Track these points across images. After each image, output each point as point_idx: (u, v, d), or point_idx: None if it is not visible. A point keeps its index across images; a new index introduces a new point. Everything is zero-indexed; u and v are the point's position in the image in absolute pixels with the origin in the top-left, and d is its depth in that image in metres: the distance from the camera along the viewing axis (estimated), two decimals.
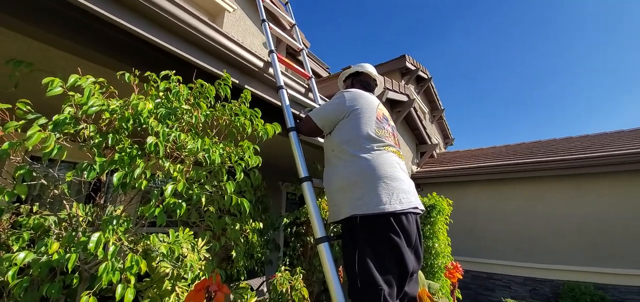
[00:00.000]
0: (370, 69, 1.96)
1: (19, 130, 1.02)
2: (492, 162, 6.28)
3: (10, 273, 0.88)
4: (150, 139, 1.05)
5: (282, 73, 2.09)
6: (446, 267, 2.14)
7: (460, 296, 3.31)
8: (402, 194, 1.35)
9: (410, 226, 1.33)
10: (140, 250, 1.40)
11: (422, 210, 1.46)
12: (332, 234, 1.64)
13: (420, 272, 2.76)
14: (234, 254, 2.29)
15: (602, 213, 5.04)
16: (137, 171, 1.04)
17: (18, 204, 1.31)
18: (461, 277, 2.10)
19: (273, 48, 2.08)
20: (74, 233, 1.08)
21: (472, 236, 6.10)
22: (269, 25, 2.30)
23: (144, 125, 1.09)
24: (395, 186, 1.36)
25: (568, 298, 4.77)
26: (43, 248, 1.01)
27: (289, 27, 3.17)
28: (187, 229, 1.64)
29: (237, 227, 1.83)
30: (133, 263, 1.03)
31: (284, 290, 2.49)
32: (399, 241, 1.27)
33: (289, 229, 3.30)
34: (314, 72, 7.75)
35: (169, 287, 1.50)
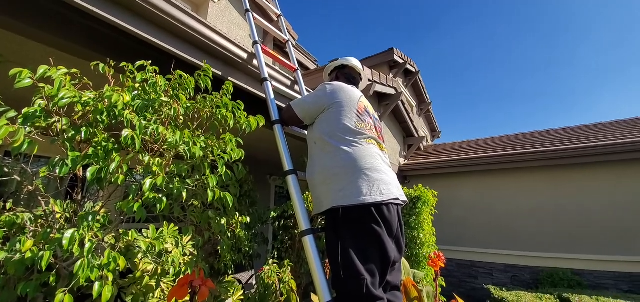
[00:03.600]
0: (355, 62, 1.97)
1: None
2: (476, 154, 6.42)
3: None
4: (126, 132, 1.02)
5: (268, 65, 2.06)
6: (430, 256, 2.20)
7: (444, 284, 3.40)
8: (383, 185, 1.37)
9: (392, 217, 1.36)
10: (122, 247, 1.37)
11: (403, 201, 1.49)
12: (319, 227, 1.65)
13: (405, 262, 2.82)
14: (220, 248, 2.28)
15: (579, 203, 5.25)
16: (113, 166, 1.01)
17: None
18: (443, 266, 2.15)
19: (257, 39, 2.04)
20: (48, 230, 1.05)
21: (457, 226, 6.26)
22: (253, 15, 2.26)
23: (120, 118, 1.05)
24: (376, 178, 1.37)
25: (547, 284, 4.98)
26: (17, 246, 0.98)
27: (275, 18, 3.12)
28: (172, 225, 1.61)
29: (222, 222, 1.82)
30: (110, 260, 1.00)
31: (272, 282, 2.50)
32: (380, 231, 1.29)
33: (277, 223, 3.30)
34: (301, 64, 7.69)
35: (153, 284, 1.48)
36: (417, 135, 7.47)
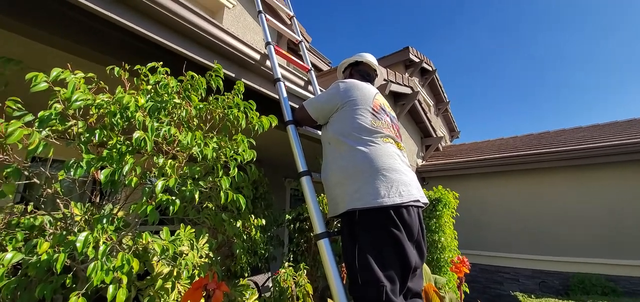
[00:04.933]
0: (369, 58, 1.90)
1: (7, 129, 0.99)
2: (499, 153, 6.16)
3: None
4: (137, 134, 1.01)
5: (281, 66, 2.04)
6: (452, 261, 2.09)
7: (467, 290, 3.25)
8: (402, 186, 1.29)
9: (412, 220, 1.28)
10: (140, 249, 1.38)
11: (424, 203, 1.41)
12: (335, 229, 1.60)
13: (426, 267, 2.71)
14: (236, 250, 2.27)
15: (612, 204, 4.91)
16: (126, 168, 1.00)
17: (12, 204, 1.30)
18: (468, 272, 2.04)
19: (269, 40, 2.03)
20: (65, 233, 1.06)
21: (479, 229, 6.00)
22: (265, 16, 2.25)
23: (132, 120, 1.05)
24: (394, 178, 1.30)
25: (578, 290, 4.67)
26: (34, 248, 0.99)
27: (288, 20, 3.11)
28: (188, 227, 1.61)
29: (237, 224, 1.80)
30: (124, 262, 0.99)
31: (287, 286, 2.47)
32: (399, 236, 1.22)
33: (292, 225, 3.28)
34: (315, 66, 7.68)
35: (169, 286, 1.48)
36: (435, 136, 7.26)
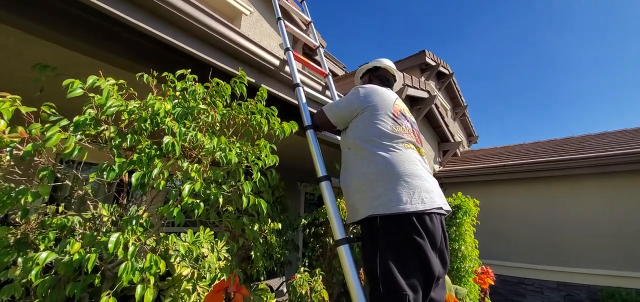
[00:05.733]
0: (388, 63, 1.89)
1: (45, 133, 1.05)
2: (520, 160, 5.95)
3: (33, 272, 0.89)
4: (167, 139, 1.04)
5: (299, 72, 2.06)
6: (475, 272, 2.02)
7: None
8: (425, 192, 1.27)
9: (435, 228, 1.25)
10: (162, 250, 1.41)
11: (447, 211, 1.37)
12: (351, 235, 1.59)
13: (446, 277, 2.63)
14: (253, 254, 2.28)
15: None
16: (155, 171, 1.03)
17: (46, 204, 1.36)
18: (493, 283, 1.96)
19: (289, 46, 2.05)
20: (95, 233, 1.10)
21: (500, 238, 5.79)
22: (284, 23, 2.28)
23: (162, 125, 1.08)
24: (416, 184, 1.28)
25: None
26: (66, 247, 1.03)
27: (304, 26, 3.14)
28: (208, 229, 1.64)
29: (255, 228, 1.82)
30: (152, 263, 1.02)
31: (303, 292, 2.46)
32: (422, 243, 1.19)
33: (307, 230, 3.27)
34: (330, 71, 7.70)
35: (189, 288, 1.51)
36: (452, 141, 7.11)
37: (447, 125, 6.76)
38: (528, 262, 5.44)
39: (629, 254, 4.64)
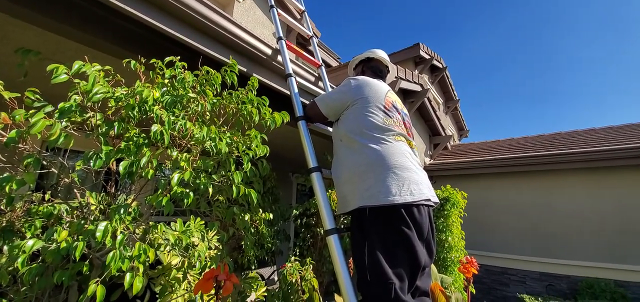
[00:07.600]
0: (381, 54, 1.89)
1: (30, 119, 1.02)
2: (508, 154, 6.07)
3: (20, 260, 0.88)
4: (155, 127, 1.03)
5: (292, 62, 2.04)
6: (460, 261, 2.08)
7: (474, 291, 3.23)
8: (414, 185, 1.29)
9: (423, 219, 1.28)
10: (152, 239, 1.41)
11: (435, 202, 1.40)
12: (342, 226, 1.61)
13: (433, 266, 2.70)
14: (244, 243, 2.30)
15: (625, 208, 4.80)
16: (144, 160, 1.03)
17: (32, 192, 1.33)
18: (476, 273, 2.03)
19: (281, 35, 2.03)
20: (82, 221, 1.09)
21: (486, 230, 5.95)
22: (277, 11, 2.25)
23: (150, 114, 1.07)
24: (405, 177, 1.30)
25: (587, 295, 4.60)
26: (53, 236, 1.02)
27: (298, 15, 3.10)
28: (198, 219, 1.64)
29: (246, 218, 1.82)
30: (141, 252, 1.02)
31: (294, 280, 2.49)
32: (410, 234, 1.22)
33: (299, 220, 3.30)
34: (324, 61, 7.65)
35: (180, 276, 1.51)
36: (443, 134, 7.19)
37: (438, 119, 6.82)
38: (513, 253, 5.62)
39: (608, 247, 4.82)
